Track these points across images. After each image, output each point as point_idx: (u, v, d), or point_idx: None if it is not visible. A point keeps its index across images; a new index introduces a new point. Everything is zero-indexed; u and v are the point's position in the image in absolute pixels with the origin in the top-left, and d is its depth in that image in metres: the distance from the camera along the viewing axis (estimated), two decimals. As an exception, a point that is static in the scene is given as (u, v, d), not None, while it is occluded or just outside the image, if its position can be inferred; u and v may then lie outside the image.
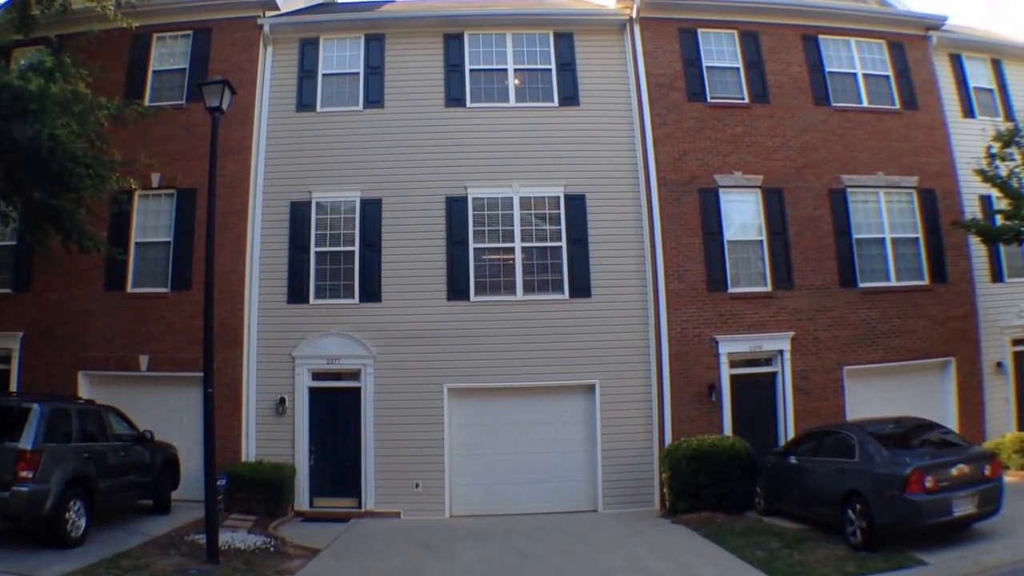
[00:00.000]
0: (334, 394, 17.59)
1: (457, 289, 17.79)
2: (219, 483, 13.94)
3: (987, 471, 11.63)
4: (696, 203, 18.16)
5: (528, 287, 17.91)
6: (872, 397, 17.43)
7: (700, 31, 19.19)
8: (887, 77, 19.68)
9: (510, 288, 17.90)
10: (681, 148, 18.37)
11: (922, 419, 14.07)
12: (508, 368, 17.37)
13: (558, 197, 18.25)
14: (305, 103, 18.83)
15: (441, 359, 17.38)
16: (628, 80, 18.96)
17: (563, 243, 18.04)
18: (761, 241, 18.32)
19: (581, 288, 17.84)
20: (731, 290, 17.90)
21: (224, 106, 12.97)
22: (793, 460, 14.28)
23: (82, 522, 11.86)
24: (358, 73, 19.04)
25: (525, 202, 18.23)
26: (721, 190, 18.33)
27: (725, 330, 17.67)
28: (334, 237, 18.09)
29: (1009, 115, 19.70)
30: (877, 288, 18.37)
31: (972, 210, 18.99)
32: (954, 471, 11.34)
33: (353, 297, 17.83)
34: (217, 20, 18.76)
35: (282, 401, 17.29)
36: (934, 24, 20.14)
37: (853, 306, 18.15)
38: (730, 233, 18.26)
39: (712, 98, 18.88)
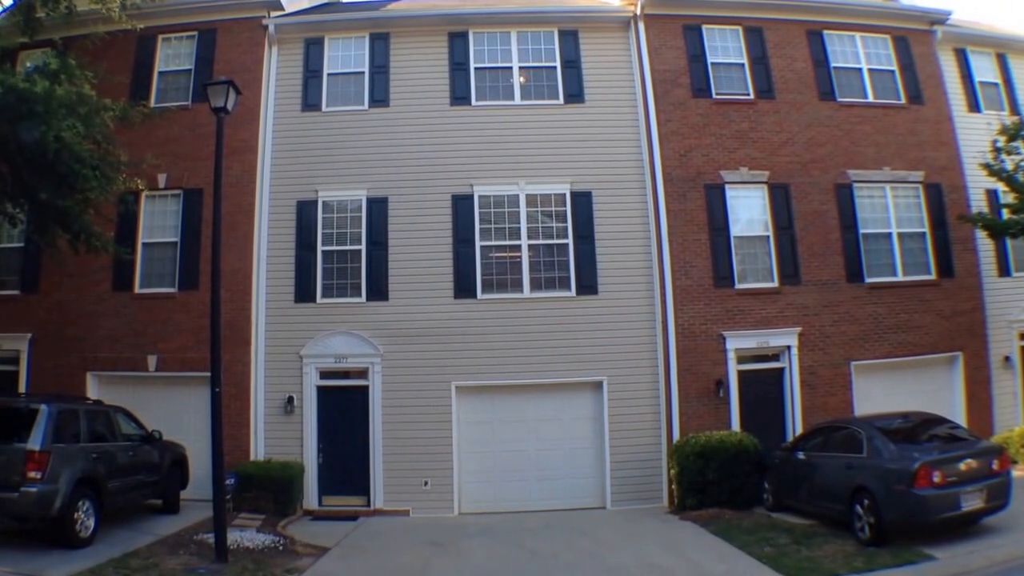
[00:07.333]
0: (342, 393, 17.59)
1: (464, 287, 17.79)
2: (228, 482, 14.00)
3: (995, 465, 11.64)
4: (702, 199, 18.15)
5: (535, 284, 17.91)
6: (880, 392, 17.46)
7: (704, 27, 19.15)
8: (892, 72, 19.62)
9: (517, 286, 17.90)
10: (687, 144, 18.36)
11: (930, 414, 14.04)
12: (516, 366, 17.37)
13: (564, 194, 18.24)
14: (310, 103, 18.85)
15: (449, 357, 17.39)
16: (633, 77, 18.94)
17: (570, 240, 18.03)
18: (767, 237, 18.29)
19: (588, 285, 17.84)
20: (738, 286, 17.89)
21: (229, 106, 12.99)
22: (801, 456, 14.26)
23: (91, 522, 11.87)
24: (363, 72, 19.05)
25: (531, 199, 18.23)
26: (727, 186, 18.31)
27: (732, 326, 17.65)
28: (341, 236, 18.11)
29: (1014, 109, 19.72)
30: (884, 283, 18.34)
31: (978, 204, 18.92)
32: (962, 466, 11.35)
33: (360, 296, 17.85)
34: (222, 21, 18.77)
35: (290, 400, 17.32)
36: (939, 18, 20.09)
37: (860, 301, 18.11)
38: (736, 229, 18.23)
39: (717, 94, 18.85)
